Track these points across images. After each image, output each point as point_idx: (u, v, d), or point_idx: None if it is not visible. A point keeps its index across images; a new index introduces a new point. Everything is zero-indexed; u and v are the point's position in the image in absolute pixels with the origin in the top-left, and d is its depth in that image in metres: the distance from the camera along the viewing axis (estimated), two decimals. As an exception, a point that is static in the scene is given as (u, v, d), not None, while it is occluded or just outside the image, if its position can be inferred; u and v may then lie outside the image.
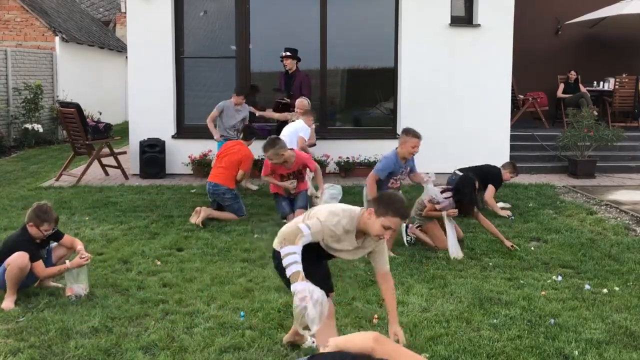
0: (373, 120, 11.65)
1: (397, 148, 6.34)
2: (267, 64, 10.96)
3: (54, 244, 5.35)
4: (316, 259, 3.90)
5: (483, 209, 7.18)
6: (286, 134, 8.13)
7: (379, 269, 3.94)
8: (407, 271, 5.78)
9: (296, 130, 8.31)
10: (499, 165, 8.25)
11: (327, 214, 3.74)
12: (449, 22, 10.87)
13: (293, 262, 3.47)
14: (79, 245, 5.26)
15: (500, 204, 8.16)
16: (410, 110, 10.96)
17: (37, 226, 5.02)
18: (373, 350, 2.44)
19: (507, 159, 10.69)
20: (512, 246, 6.39)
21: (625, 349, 4.22)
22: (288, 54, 9.69)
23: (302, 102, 8.85)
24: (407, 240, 6.62)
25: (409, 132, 6.27)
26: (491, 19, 10.87)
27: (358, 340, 2.62)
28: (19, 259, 4.90)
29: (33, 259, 4.99)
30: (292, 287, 3.38)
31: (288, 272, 3.47)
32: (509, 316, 4.74)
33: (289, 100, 9.64)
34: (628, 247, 6.60)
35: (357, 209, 3.82)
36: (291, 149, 7.22)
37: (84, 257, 5.09)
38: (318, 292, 3.35)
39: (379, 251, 3.92)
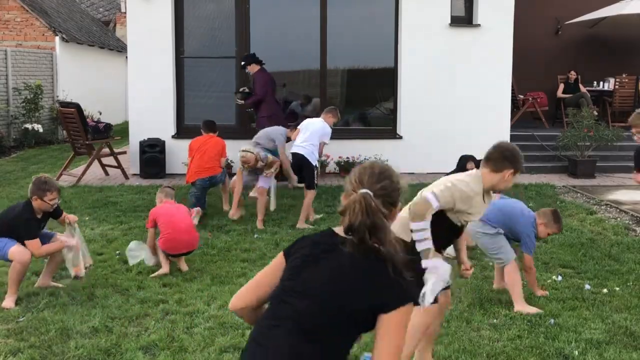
0: (373, 120, 11.65)
1: (536, 221, 5.19)
2: (267, 64, 10.94)
3: (54, 235, 5.33)
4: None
5: None
6: (311, 136, 7.53)
7: None
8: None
9: (318, 131, 7.61)
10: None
11: (454, 180, 3.70)
12: (449, 22, 10.87)
13: (424, 239, 3.47)
14: (71, 218, 5.31)
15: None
16: (410, 110, 10.96)
17: (41, 197, 4.97)
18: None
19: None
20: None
21: (625, 349, 4.22)
22: (242, 63, 9.69)
23: (243, 157, 7.46)
24: None
25: (559, 220, 5.21)
26: (491, 19, 10.87)
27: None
28: (20, 255, 4.91)
29: (31, 237, 4.98)
30: (424, 264, 3.39)
31: (419, 248, 3.46)
32: (509, 316, 4.74)
33: (243, 101, 9.64)
34: (628, 247, 6.60)
35: (475, 172, 3.82)
36: None
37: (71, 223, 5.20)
38: (445, 270, 3.37)
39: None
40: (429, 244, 3.47)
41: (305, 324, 2.05)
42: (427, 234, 3.49)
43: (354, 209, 2.09)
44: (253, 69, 9.58)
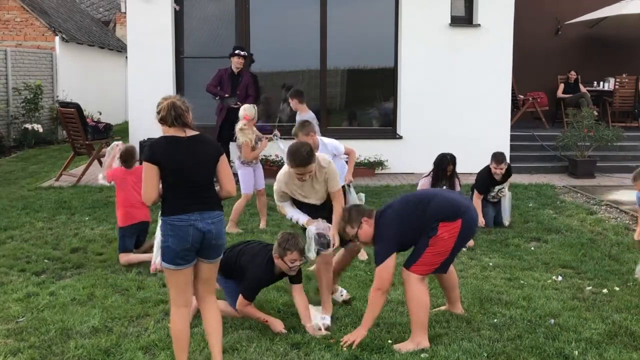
0: (373, 120, 11.65)
1: None
2: (267, 64, 10.96)
3: None
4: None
5: None
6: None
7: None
8: (407, 271, 5.76)
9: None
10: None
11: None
12: (449, 22, 10.87)
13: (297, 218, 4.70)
14: None
15: None
16: (410, 110, 10.96)
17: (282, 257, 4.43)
18: None
19: (507, 159, 10.68)
20: None
21: (625, 349, 4.22)
22: (245, 53, 9.54)
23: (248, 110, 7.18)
24: None
25: None
26: (491, 19, 10.87)
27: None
28: None
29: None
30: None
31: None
32: (509, 316, 4.74)
33: (240, 104, 9.41)
34: (628, 247, 6.59)
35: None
36: None
37: None
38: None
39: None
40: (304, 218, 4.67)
41: (201, 181, 3.73)
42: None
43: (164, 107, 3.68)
44: (241, 65, 9.48)
